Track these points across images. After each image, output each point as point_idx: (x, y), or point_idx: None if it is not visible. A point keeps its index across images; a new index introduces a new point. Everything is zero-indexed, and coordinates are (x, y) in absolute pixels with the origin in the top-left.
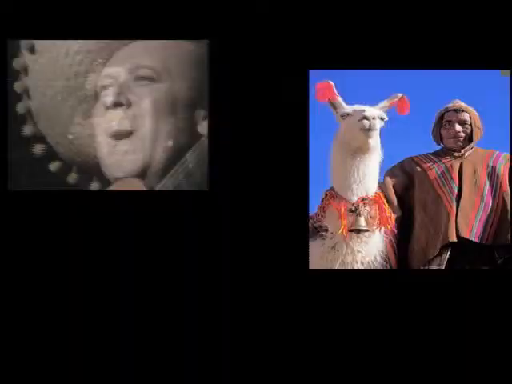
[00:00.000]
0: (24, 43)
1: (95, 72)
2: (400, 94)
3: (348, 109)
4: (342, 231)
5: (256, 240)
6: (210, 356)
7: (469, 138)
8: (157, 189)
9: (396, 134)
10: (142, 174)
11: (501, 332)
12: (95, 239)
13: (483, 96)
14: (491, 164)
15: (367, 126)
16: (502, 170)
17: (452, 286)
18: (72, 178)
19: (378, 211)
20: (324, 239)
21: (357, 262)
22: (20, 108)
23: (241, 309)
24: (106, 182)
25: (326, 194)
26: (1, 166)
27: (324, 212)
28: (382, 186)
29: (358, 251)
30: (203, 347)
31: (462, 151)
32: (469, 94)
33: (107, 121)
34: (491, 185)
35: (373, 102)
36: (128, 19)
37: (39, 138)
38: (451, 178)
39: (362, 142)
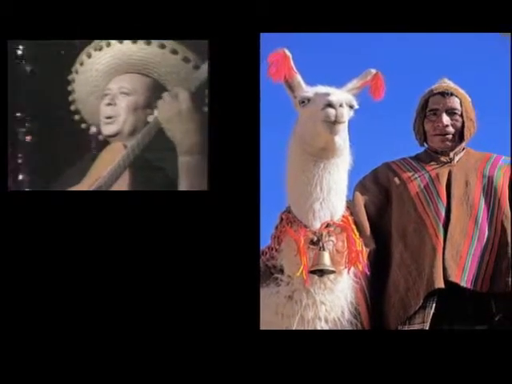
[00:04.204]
0: (74, 69)
1: (103, 86)
2: (374, 71)
3: (309, 92)
4: (302, 273)
5: (191, 289)
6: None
7: (459, 135)
8: (128, 144)
9: (367, 129)
10: (117, 134)
11: None
12: (95, 239)
13: (477, 72)
14: (487, 173)
15: (332, 117)
16: (501, 180)
17: (438, 352)
18: (91, 131)
19: (345, 243)
20: (279, 285)
21: (320, 319)
22: (70, 98)
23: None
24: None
25: (282, 218)
26: (0, 166)
27: (279, 244)
28: (350, 205)
29: (322, 303)
30: (200, 347)
31: (451, 154)
32: (460, 70)
33: (105, 111)
34: (487, 203)
35: (339, 82)
36: (128, 20)
37: (78, 112)
38: (437, 195)
39: (325, 140)
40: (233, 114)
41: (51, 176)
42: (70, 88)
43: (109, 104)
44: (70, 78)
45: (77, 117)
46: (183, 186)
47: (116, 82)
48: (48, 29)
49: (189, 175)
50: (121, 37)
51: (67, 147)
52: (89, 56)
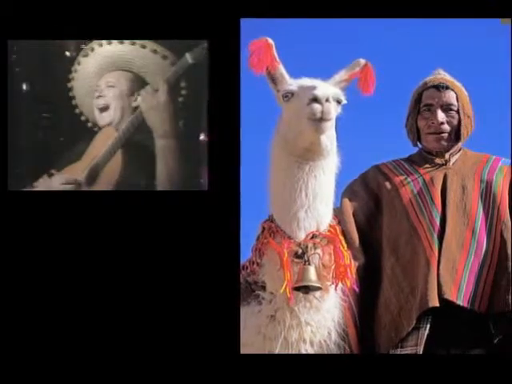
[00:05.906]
0: (73, 69)
1: (94, 83)
2: (363, 61)
3: (293, 85)
4: (285, 289)
5: (167, 304)
6: None
7: (455, 133)
8: (119, 129)
9: (356, 128)
10: (111, 123)
11: None
12: (94, 239)
13: (475, 63)
14: (485, 177)
15: (318, 114)
16: (500, 185)
17: (433, 379)
18: (89, 124)
19: (333, 257)
20: (260, 303)
21: (305, 342)
22: (71, 94)
23: None
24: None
25: (263, 228)
26: (1, 166)
27: (260, 258)
28: (338, 213)
29: (307, 323)
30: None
31: (447, 156)
32: (457, 61)
33: (97, 102)
34: (486, 211)
35: (326, 74)
36: (128, 20)
37: (77, 106)
38: (432, 201)
39: (310, 140)
40: (213, 110)
41: (54, 157)
42: (69, 85)
43: (99, 96)
44: (70, 76)
45: (77, 110)
46: (160, 164)
47: (104, 78)
48: (48, 29)
49: (164, 156)
50: (121, 37)
51: (68, 134)
52: (86, 55)
